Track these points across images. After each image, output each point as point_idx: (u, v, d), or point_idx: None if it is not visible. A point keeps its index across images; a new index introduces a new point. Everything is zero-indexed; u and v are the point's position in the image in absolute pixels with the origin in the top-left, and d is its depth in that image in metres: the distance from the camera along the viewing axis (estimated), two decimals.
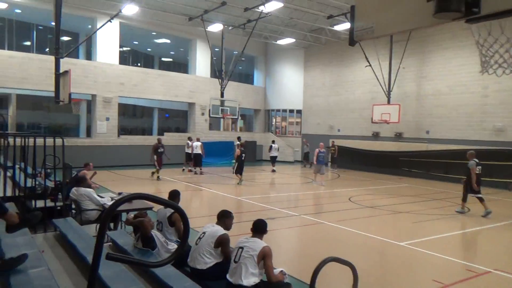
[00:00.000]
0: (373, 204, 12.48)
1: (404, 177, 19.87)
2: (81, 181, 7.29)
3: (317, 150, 16.64)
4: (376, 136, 22.73)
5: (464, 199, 11.10)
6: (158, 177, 16.44)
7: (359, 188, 16.17)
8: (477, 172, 10.77)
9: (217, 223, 4.88)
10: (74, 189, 7.10)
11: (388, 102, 20.64)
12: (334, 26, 21.47)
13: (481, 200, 10.87)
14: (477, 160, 10.90)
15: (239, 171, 16.23)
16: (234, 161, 16.35)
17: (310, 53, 27.07)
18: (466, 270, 6.67)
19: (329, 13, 19.65)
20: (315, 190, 15.44)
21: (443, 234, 9.10)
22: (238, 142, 19.01)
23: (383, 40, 20.71)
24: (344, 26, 20.62)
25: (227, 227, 4.92)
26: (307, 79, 27.47)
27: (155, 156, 16.40)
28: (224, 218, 4.92)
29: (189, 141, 19.32)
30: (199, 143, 18.93)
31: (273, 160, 21.53)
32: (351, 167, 22.70)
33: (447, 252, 7.56)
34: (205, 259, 4.56)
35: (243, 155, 16.51)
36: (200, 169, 19.09)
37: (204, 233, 4.73)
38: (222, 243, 4.61)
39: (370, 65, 20.57)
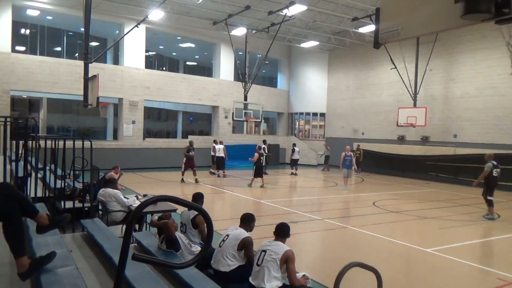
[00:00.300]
0: (398, 209, 12.24)
1: (431, 181, 19.40)
2: (110, 182, 7.47)
3: (343, 154, 16.12)
4: (401, 139, 22.31)
5: (490, 204, 10.80)
6: (182, 179, 16.57)
7: (383, 192, 15.90)
8: (494, 175, 10.61)
9: (240, 226, 4.90)
10: (101, 190, 7.27)
11: (414, 105, 20.23)
12: (359, 29, 21.25)
13: (490, 204, 10.84)
14: (495, 163, 10.72)
15: (257, 174, 16.15)
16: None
17: (334, 55, 26.87)
18: (497, 279, 6.45)
19: (353, 15, 19.46)
20: (338, 194, 15.27)
21: (472, 240, 8.84)
22: (263, 146, 19.40)
23: (409, 42, 20.33)
24: (369, 28, 20.37)
25: (250, 230, 4.94)
26: (331, 82, 27.26)
27: (184, 159, 16.46)
28: (247, 221, 4.94)
29: (215, 144, 19.47)
30: (221, 146, 19.06)
31: (295, 163, 21.44)
32: (375, 171, 22.34)
33: (476, 260, 7.34)
34: (228, 262, 4.58)
35: (262, 158, 16.61)
36: (223, 172, 19.19)
37: (227, 235, 4.76)
38: (245, 246, 4.63)
39: (395, 67, 20.23)
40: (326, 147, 24.14)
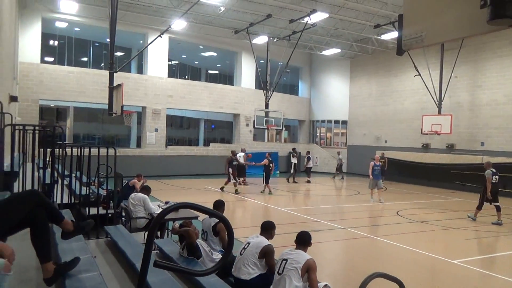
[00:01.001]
0: (423, 219, 11.94)
1: (457, 191, 18.89)
2: (144, 189, 7.85)
3: (372, 163, 15.15)
4: (426, 147, 21.84)
5: (479, 207, 11.47)
6: (222, 188, 16.44)
7: (407, 201, 15.56)
8: (493, 181, 11.17)
9: (261, 234, 4.88)
10: (132, 194, 7.60)
11: (439, 113, 19.79)
12: (381, 36, 21.04)
13: (498, 209, 11.20)
14: (493, 170, 11.26)
15: (266, 180, 16.55)
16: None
17: (356, 63, 26.66)
18: None
19: (376, 22, 19.29)
20: (360, 203, 15.03)
21: (501, 252, 8.55)
22: (292, 153, 20.36)
23: (433, 49, 19.99)
24: (391, 35, 20.15)
25: (271, 237, 4.91)
26: (353, 89, 27.02)
27: (230, 169, 16.30)
28: (268, 229, 4.92)
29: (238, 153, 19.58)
30: (242, 154, 19.14)
31: (309, 171, 21.46)
32: (399, 180, 21.92)
33: (505, 272, 7.07)
34: (249, 270, 4.56)
35: (271, 165, 17.01)
36: (243, 180, 19.14)
37: (248, 243, 4.74)
38: (266, 254, 4.60)
39: (419, 74, 19.89)
40: (338, 155, 23.91)
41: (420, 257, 7.93)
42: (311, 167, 21.71)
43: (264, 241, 4.69)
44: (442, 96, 20.04)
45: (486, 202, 11.31)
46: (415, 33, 2.92)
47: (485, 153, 18.73)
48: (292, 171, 21.13)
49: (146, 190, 7.83)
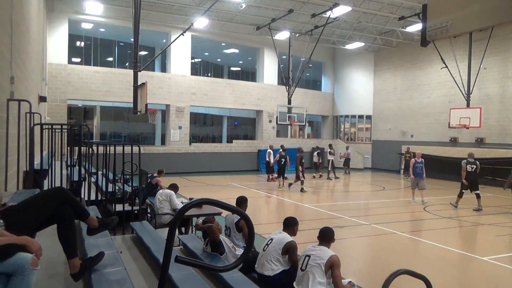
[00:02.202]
0: (451, 215, 11.64)
1: (487, 186, 18.29)
2: (172, 187, 8.02)
3: (412, 160, 14.05)
4: (454, 141, 21.26)
5: (460, 195, 12.55)
6: (302, 188, 15.68)
7: (435, 197, 15.18)
8: (469, 170, 12.32)
9: (284, 230, 4.86)
10: (160, 190, 7.84)
11: (468, 106, 19.18)
12: (406, 28, 20.56)
13: (477, 196, 12.25)
14: (470, 160, 12.47)
15: (279, 174, 17.11)
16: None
17: (380, 56, 26.16)
18: None
19: (400, 14, 18.86)
20: (386, 198, 14.77)
21: None
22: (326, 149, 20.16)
23: (461, 40, 19.38)
24: (416, 27, 19.65)
25: (294, 234, 4.89)
26: (377, 83, 26.55)
27: (300, 167, 15.78)
28: (291, 225, 4.90)
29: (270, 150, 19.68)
30: (269, 150, 19.24)
31: (316, 166, 21.30)
32: (426, 175, 21.33)
33: None
34: (272, 266, 4.56)
35: (283, 160, 17.38)
36: (270, 176, 19.12)
37: (271, 239, 4.74)
38: (289, 250, 4.59)
39: (446, 67, 19.32)
40: (330, 150, 22.70)
41: (449, 254, 7.74)
42: (319, 163, 21.36)
43: (287, 237, 4.67)
44: (471, 88, 19.40)
45: (466, 190, 12.35)
46: (440, 23, 2.82)
47: None
48: (329, 168, 20.86)
49: (173, 187, 7.98)
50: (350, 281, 4.41)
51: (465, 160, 12.57)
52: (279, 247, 4.59)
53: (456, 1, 2.75)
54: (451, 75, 19.35)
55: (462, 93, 19.45)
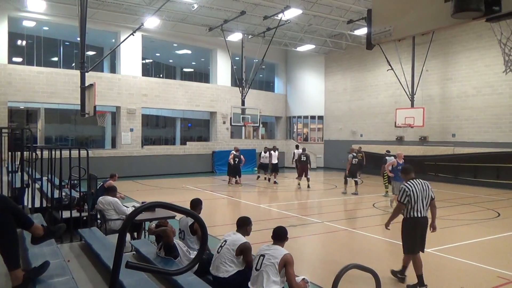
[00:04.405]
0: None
1: (430, 181, 19.28)
2: (110, 190, 7.48)
3: (393, 160, 12.20)
4: (400, 140, 22.32)
5: (345, 182, 15.56)
6: (298, 184, 17.17)
7: (383, 194, 15.82)
8: (353, 163, 15.35)
9: (237, 231, 4.88)
10: (101, 198, 7.28)
11: (412, 106, 20.24)
12: (355, 31, 21.32)
13: (356, 183, 15.51)
14: (354, 154, 15.61)
15: (234, 174, 17.89)
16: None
17: (331, 58, 26.93)
18: (498, 277, 6.42)
19: (348, 18, 19.53)
20: (336, 197, 15.21)
21: (473, 240, 8.82)
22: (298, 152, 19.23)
23: (405, 43, 20.40)
24: (364, 31, 20.41)
25: (247, 234, 4.92)
26: (328, 84, 27.30)
27: (298, 165, 17.10)
28: (244, 225, 4.92)
29: (272, 152, 19.69)
30: (268, 153, 19.74)
31: (275, 167, 19.90)
32: (375, 173, 22.25)
33: (477, 259, 7.30)
34: (227, 267, 4.55)
35: (236, 159, 17.92)
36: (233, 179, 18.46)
37: (225, 241, 4.73)
38: (243, 251, 4.61)
39: (392, 69, 20.27)
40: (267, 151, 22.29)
41: (396, 247, 8.09)
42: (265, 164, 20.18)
43: (240, 239, 4.69)
44: (415, 89, 20.50)
45: (348, 178, 15.29)
46: (383, 28, 2.96)
47: (456, 144, 19.29)
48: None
49: (112, 191, 7.45)
50: (304, 278, 4.51)
51: (351, 155, 15.49)
52: (233, 249, 4.59)
53: (398, 7, 2.89)
54: (397, 76, 20.33)
55: (407, 94, 20.48)
